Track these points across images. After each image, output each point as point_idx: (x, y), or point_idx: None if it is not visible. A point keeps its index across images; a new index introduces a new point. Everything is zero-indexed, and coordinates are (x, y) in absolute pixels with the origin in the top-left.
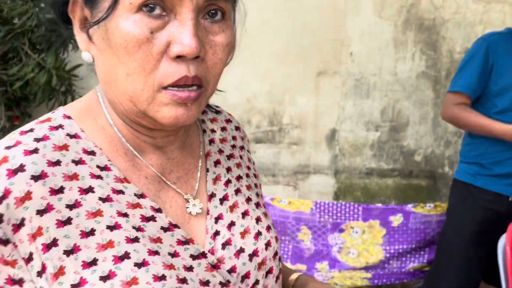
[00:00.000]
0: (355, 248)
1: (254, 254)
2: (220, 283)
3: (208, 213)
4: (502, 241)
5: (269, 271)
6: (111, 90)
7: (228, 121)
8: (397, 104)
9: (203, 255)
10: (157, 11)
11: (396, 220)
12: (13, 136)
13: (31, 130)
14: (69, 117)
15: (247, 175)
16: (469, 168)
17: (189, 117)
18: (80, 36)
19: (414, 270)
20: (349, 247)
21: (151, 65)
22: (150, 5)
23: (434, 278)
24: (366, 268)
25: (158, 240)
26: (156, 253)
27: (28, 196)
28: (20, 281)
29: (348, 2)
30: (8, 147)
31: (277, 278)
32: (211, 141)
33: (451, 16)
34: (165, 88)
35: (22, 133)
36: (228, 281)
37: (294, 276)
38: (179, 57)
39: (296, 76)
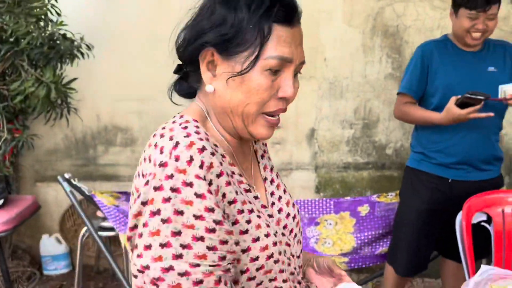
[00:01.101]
0: (330, 238)
1: (294, 217)
2: (282, 233)
3: (266, 191)
4: (459, 217)
5: (299, 229)
6: (231, 112)
7: None
8: (368, 103)
9: (271, 215)
10: (276, 71)
11: (364, 210)
12: (177, 131)
13: (186, 127)
14: (196, 121)
15: (272, 166)
16: (416, 156)
17: (271, 134)
18: (206, 74)
19: (384, 253)
20: (325, 238)
21: (266, 100)
22: (273, 69)
23: (392, 251)
24: (343, 254)
25: (254, 204)
26: (258, 211)
27: (211, 165)
28: (227, 216)
29: (320, 12)
30: (186, 136)
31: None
32: (254, 141)
33: (412, 23)
34: (264, 113)
35: (181, 128)
36: (283, 234)
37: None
38: (281, 98)
39: None
